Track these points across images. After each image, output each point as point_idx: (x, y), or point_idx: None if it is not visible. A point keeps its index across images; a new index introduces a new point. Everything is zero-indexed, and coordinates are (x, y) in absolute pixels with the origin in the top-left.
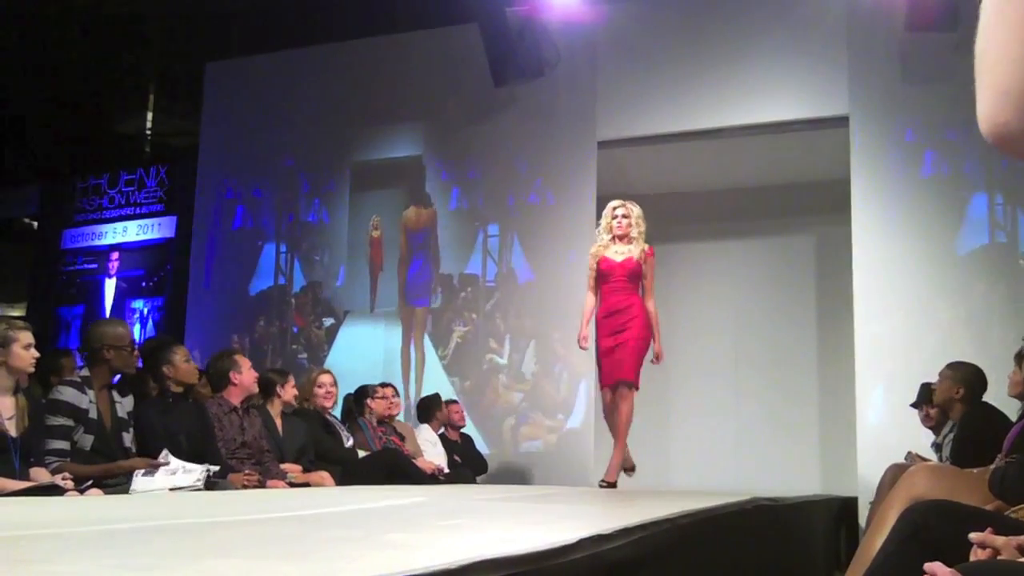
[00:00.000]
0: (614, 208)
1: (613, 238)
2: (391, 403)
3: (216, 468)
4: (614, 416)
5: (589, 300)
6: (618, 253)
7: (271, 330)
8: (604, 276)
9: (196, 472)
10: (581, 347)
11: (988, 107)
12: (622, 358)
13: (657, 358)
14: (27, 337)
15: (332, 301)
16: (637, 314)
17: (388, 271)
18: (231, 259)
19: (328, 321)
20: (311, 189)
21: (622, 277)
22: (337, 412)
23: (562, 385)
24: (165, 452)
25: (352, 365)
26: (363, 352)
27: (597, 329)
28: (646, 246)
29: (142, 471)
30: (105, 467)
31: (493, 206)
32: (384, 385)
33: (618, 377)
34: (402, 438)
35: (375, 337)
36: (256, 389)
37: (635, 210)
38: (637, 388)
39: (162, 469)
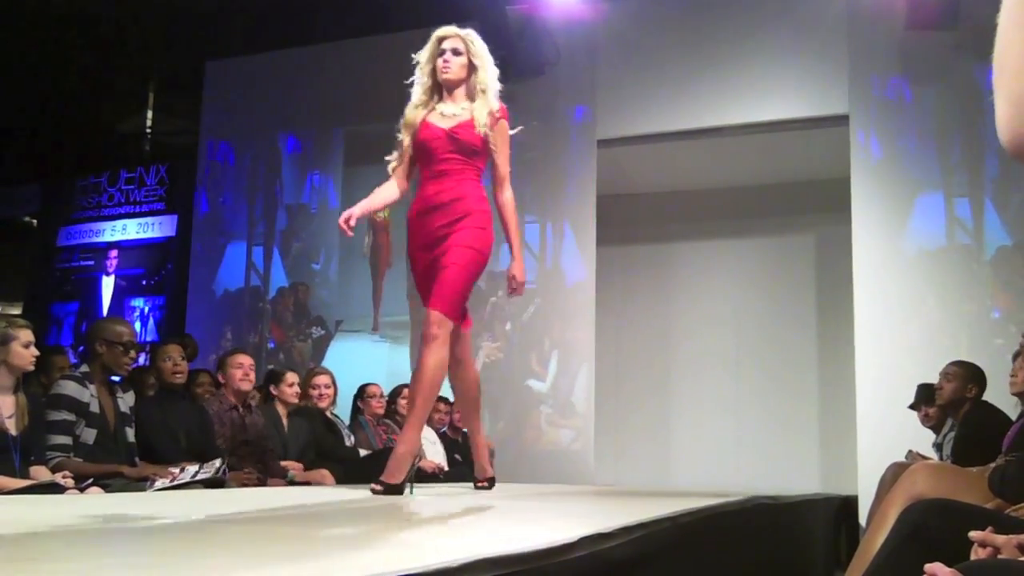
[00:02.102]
0: (440, 40)
1: (436, 89)
2: (381, 403)
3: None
4: (456, 374)
5: (386, 188)
6: (445, 116)
7: (250, 339)
8: (421, 152)
9: (211, 470)
10: (341, 228)
11: (1007, 118)
12: (438, 274)
13: (514, 285)
14: (27, 335)
15: (320, 308)
16: (471, 210)
17: (398, 269)
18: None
19: (317, 332)
20: (300, 160)
21: (448, 152)
22: (345, 413)
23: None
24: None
25: (344, 389)
26: (360, 373)
27: (408, 237)
28: (496, 104)
29: (159, 482)
30: (107, 467)
31: (528, 191)
32: (405, 386)
33: (427, 305)
34: None
35: (375, 356)
36: (246, 387)
37: (476, 43)
38: (457, 321)
39: (178, 480)
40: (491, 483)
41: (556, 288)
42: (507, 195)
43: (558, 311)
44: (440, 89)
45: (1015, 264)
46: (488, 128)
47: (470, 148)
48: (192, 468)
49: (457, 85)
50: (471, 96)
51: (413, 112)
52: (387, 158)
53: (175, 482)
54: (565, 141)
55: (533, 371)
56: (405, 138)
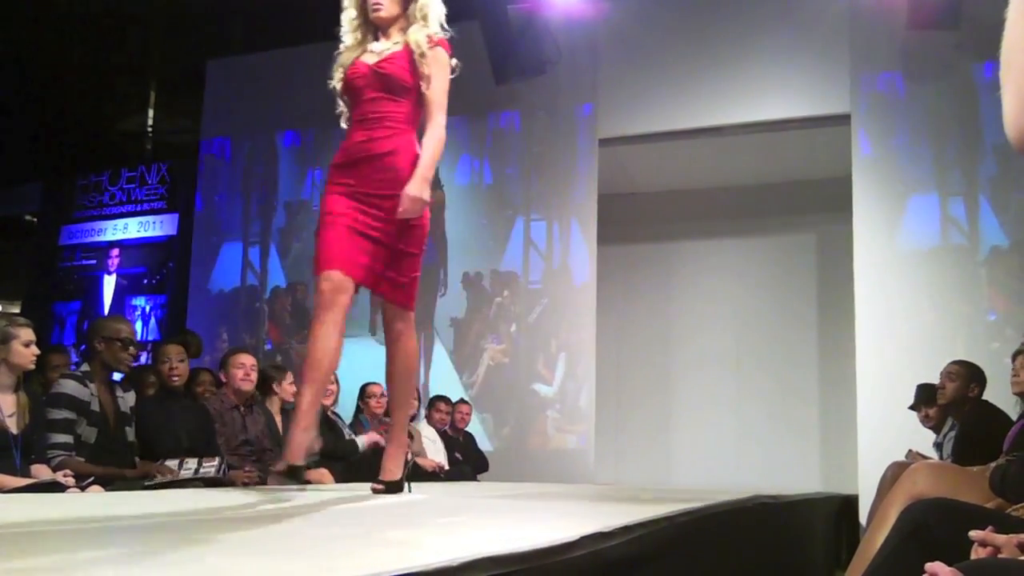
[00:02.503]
0: None
1: (369, 28)
2: (380, 402)
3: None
4: (394, 365)
5: None
6: (374, 53)
7: (247, 341)
8: (348, 95)
9: (211, 468)
10: None
11: (1014, 113)
12: (387, 268)
13: (405, 203)
14: (28, 334)
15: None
16: (404, 168)
17: None
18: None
19: None
20: (301, 159)
21: (374, 91)
22: (347, 415)
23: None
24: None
25: (345, 392)
26: (360, 377)
27: (327, 187)
28: (433, 32)
29: (159, 478)
30: (108, 471)
31: (530, 190)
32: None
33: (390, 299)
34: (411, 437)
35: (376, 360)
36: (246, 387)
37: None
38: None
39: (181, 475)
40: (391, 488)
41: (563, 289)
42: (436, 123)
43: (565, 312)
44: (375, 29)
45: (1011, 265)
46: (420, 59)
47: (399, 84)
48: (192, 463)
49: (391, 23)
50: (408, 28)
51: (345, 55)
52: (338, 112)
53: (175, 479)
54: (566, 140)
55: (539, 375)
56: (337, 82)
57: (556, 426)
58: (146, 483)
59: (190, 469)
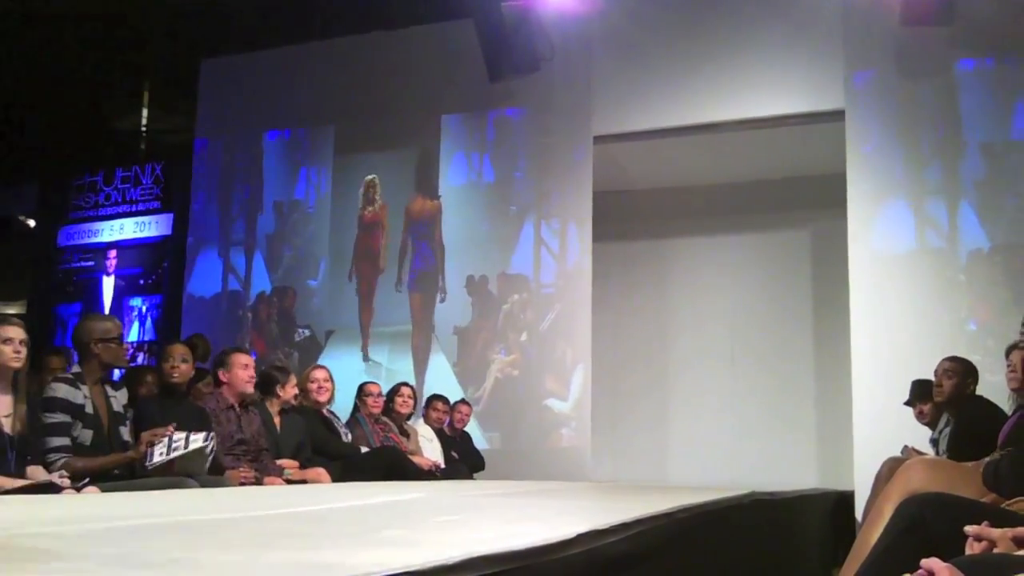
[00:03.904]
0: None
1: None
2: (377, 401)
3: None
4: None
5: None
6: None
7: (243, 344)
8: None
9: (201, 438)
10: None
11: None
12: None
13: None
14: (8, 332)
15: (308, 317)
16: None
17: (388, 280)
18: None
19: (303, 332)
20: (295, 159)
21: None
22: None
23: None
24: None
25: (340, 398)
26: (352, 389)
27: None
28: None
29: (157, 451)
30: (108, 459)
31: (524, 187)
32: (404, 384)
33: None
34: (407, 436)
35: (370, 376)
36: (249, 389)
37: None
38: None
39: (173, 445)
40: None
41: (579, 293)
42: None
43: (580, 318)
44: None
45: (995, 265)
46: None
47: None
48: (180, 436)
49: None
50: None
51: None
52: None
53: (173, 448)
54: (561, 137)
55: (553, 389)
56: None
57: (570, 443)
58: (147, 464)
59: (180, 440)
